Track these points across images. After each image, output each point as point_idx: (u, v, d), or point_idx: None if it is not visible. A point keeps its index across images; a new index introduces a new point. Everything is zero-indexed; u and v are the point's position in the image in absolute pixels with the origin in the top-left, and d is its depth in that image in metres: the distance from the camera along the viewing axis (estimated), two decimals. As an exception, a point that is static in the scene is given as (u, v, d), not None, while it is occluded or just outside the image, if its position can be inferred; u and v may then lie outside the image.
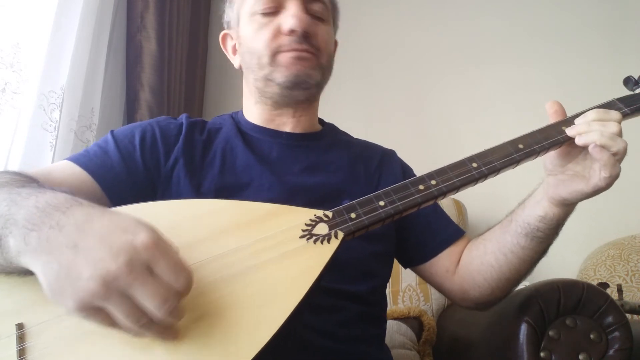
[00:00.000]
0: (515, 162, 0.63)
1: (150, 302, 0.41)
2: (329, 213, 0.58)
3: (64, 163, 0.73)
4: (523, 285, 0.88)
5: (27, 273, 0.47)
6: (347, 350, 0.71)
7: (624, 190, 1.65)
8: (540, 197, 0.70)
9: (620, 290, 1.05)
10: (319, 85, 0.84)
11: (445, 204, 1.55)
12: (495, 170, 0.62)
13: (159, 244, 0.43)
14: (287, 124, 0.85)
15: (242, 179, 0.77)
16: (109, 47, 1.63)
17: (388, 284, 0.90)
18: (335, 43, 0.91)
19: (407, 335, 1.18)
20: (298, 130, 0.86)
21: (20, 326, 0.49)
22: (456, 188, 0.61)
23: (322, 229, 0.56)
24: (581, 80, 1.80)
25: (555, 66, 1.85)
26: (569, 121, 0.66)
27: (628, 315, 0.78)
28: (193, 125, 0.83)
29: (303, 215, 0.57)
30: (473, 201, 1.68)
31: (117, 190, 0.71)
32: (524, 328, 0.73)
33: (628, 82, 0.72)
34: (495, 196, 1.52)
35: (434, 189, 0.60)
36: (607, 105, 0.67)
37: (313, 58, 0.79)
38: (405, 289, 1.46)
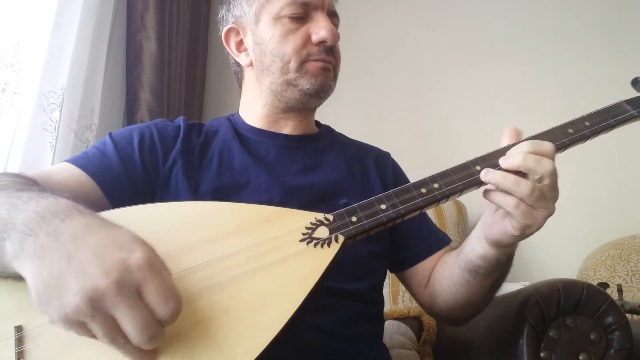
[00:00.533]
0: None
1: (131, 326, 0.40)
2: (330, 216, 0.57)
3: (62, 165, 0.73)
4: (523, 285, 0.88)
5: (22, 279, 0.46)
6: (347, 350, 0.72)
7: (624, 190, 1.66)
8: (480, 233, 0.65)
9: (620, 290, 1.05)
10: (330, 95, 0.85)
11: (446, 203, 1.55)
12: None
13: (153, 265, 0.42)
14: (287, 126, 0.86)
15: (239, 180, 0.77)
16: (109, 47, 1.63)
17: (388, 284, 0.90)
18: None
19: (407, 335, 1.17)
20: (296, 133, 0.86)
21: (19, 328, 0.49)
22: (459, 191, 0.59)
23: (322, 232, 0.55)
24: (581, 80, 1.80)
25: (555, 66, 1.85)
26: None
27: (628, 315, 0.78)
28: (190, 128, 0.83)
29: (303, 218, 0.56)
30: (473, 201, 1.68)
31: (116, 191, 0.71)
32: (524, 328, 0.73)
33: (636, 83, 0.69)
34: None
35: (436, 192, 0.58)
36: (615, 108, 0.65)
37: (333, 70, 0.82)
38: (405, 289, 1.45)
